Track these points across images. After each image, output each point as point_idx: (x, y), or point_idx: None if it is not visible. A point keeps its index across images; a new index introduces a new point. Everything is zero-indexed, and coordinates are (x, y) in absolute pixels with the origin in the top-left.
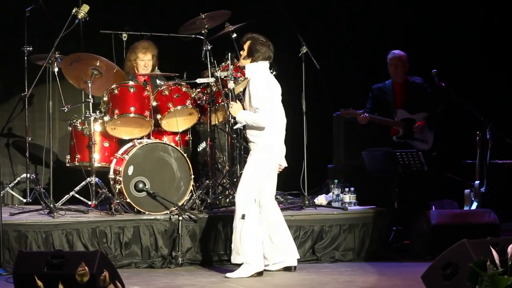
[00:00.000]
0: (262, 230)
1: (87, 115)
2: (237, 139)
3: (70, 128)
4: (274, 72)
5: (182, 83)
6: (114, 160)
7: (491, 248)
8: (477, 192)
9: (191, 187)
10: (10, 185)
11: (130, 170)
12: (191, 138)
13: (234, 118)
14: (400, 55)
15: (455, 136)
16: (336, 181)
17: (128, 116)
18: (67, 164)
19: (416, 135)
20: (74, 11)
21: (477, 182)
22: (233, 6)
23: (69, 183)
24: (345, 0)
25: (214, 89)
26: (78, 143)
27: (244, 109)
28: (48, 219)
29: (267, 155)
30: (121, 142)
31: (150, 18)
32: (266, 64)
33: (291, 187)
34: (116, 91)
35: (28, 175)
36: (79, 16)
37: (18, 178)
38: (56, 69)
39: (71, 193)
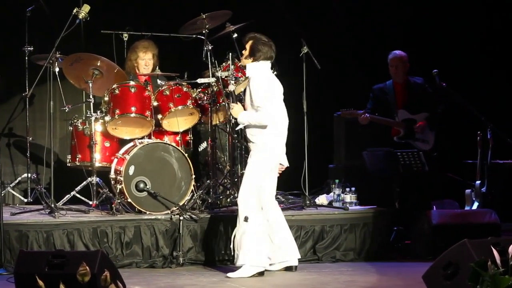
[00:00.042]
0: (263, 230)
1: (88, 115)
2: (238, 139)
3: (71, 128)
4: (275, 72)
5: (183, 83)
6: (115, 160)
7: (492, 248)
8: (478, 192)
9: (192, 187)
10: (11, 185)
11: (131, 170)
12: (192, 138)
13: (236, 119)
14: (401, 55)
15: (456, 136)
16: (337, 181)
17: (129, 116)
18: (68, 164)
19: (417, 135)
20: (75, 11)
21: (478, 182)
22: (233, 6)
23: (70, 183)
24: (345, 0)
25: (215, 89)
26: (79, 143)
27: (244, 109)
28: (49, 219)
29: (267, 155)
30: (122, 142)
31: (151, 18)
32: (267, 64)
33: (292, 187)
34: (117, 91)
35: (29, 175)
36: (80, 16)
37: (19, 178)
38: (57, 69)
39: (72, 193)
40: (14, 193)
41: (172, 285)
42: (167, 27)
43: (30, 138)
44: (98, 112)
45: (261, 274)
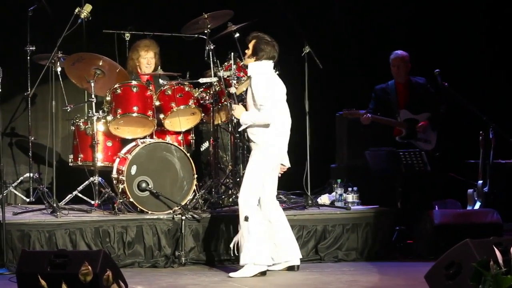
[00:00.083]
0: (264, 229)
1: (90, 115)
2: (240, 138)
3: (73, 128)
4: (277, 72)
5: (185, 83)
6: (117, 160)
7: (494, 248)
8: (480, 191)
9: (194, 187)
10: (13, 185)
11: (133, 169)
12: (194, 137)
13: (238, 120)
14: (403, 55)
15: (458, 136)
16: (339, 180)
17: (131, 116)
18: (70, 164)
19: (419, 135)
20: (76, 10)
21: (480, 181)
22: (235, 6)
23: (72, 182)
24: (346, 0)
25: (217, 89)
26: (81, 142)
27: (246, 109)
28: (51, 219)
29: (267, 154)
30: (124, 142)
31: (153, 18)
32: (269, 64)
33: (294, 186)
34: (119, 91)
35: (31, 174)
36: (82, 16)
37: (21, 178)
38: (59, 69)
39: (74, 193)
40: (16, 192)
41: (174, 284)
42: (169, 27)
43: (32, 138)
44: (100, 111)
45: (263, 273)
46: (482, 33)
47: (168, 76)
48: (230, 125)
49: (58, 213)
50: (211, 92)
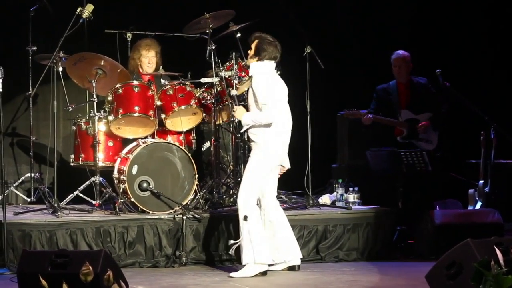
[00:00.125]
0: (264, 229)
1: (91, 115)
2: (241, 138)
3: (74, 128)
4: (279, 72)
5: (187, 83)
6: (118, 160)
7: (495, 247)
8: (481, 191)
9: (195, 187)
10: (14, 185)
11: (134, 169)
12: (195, 137)
13: (240, 121)
14: (404, 55)
15: (459, 135)
16: (340, 180)
17: (132, 116)
18: (71, 164)
19: (421, 135)
20: (78, 10)
21: (481, 181)
22: (236, 6)
23: (73, 182)
24: (348, 0)
25: (218, 89)
26: (82, 142)
27: (247, 109)
28: (52, 219)
29: (268, 154)
30: (125, 142)
31: (154, 18)
32: (271, 64)
33: (295, 186)
34: (120, 91)
35: (32, 174)
36: (84, 16)
37: (22, 178)
38: (60, 69)
39: (75, 193)
40: (17, 192)
41: (175, 284)
42: (170, 26)
43: (34, 138)
44: (102, 111)
45: (264, 273)
46: (483, 33)
47: (170, 76)
48: (231, 125)
49: (59, 213)
50: (213, 92)
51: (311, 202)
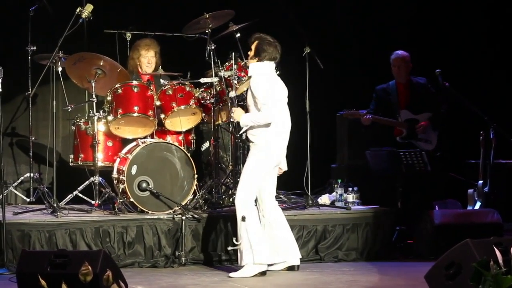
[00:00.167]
0: (263, 230)
1: (90, 115)
2: (241, 138)
3: (74, 128)
4: (278, 72)
5: (186, 83)
6: (118, 160)
7: (495, 248)
8: (480, 192)
9: (194, 187)
10: (13, 185)
11: (134, 169)
12: (194, 137)
13: (238, 122)
14: (403, 55)
15: (458, 135)
16: (339, 180)
17: (132, 116)
18: (70, 164)
19: (420, 135)
20: (78, 10)
21: (480, 181)
22: (236, 6)
23: (72, 182)
24: (348, 0)
25: (218, 89)
26: (81, 142)
27: (247, 110)
28: (51, 219)
29: (268, 153)
30: (125, 142)
31: (154, 18)
32: (271, 65)
33: (295, 186)
34: (119, 91)
35: (32, 174)
36: (83, 16)
37: (22, 178)
38: (59, 69)
39: (75, 193)
40: (17, 192)
41: (174, 284)
42: (170, 26)
43: (33, 138)
44: (101, 111)
45: (263, 273)
46: (483, 33)
47: (169, 76)
48: (230, 125)
49: (58, 213)
50: (212, 92)
51: (310, 202)
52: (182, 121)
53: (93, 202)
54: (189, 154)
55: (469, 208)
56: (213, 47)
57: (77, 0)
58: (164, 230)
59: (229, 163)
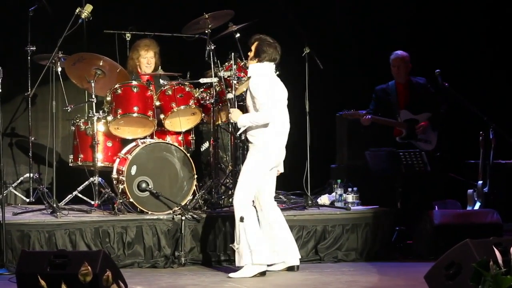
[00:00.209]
0: (262, 230)
1: (90, 115)
2: (240, 139)
3: (73, 128)
4: (277, 72)
5: (185, 83)
6: (117, 160)
7: (494, 248)
8: (480, 192)
9: (194, 187)
10: (13, 185)
11: (133, 170)
12: (194, 138)
13: (236, 124)
14: (403, 55)
15: (458, 136)
16: (339, 181)
17: (131, 116)
18: (70, 164)
19: (420, 136)
20: (77, 10)
21: (480, 182)
22: (236, 6)
23: (72, 182)
24: (347, 0)
25: (217, 89)
26: (81, 142)
27: (247, 110)
28: (51, 219)
29: (267, 154)
30: (124, 142)
31: (153, 18)
32: (271, 66)
33: (294, 187)
34: (119, 91)
35: (31, 174)
36: (83, 16)
37: (21, 178)
38: (59, 69)
39: (74, 193)
40: (16, 193)
41: (174, 285)
42: (169, 27)
43: (33, 138)
44: (101, 112)
45: (262, 274)
46: (482, 33)
47: (169, 76)
48: (230, 126)
49: (58, 214)
50: (212, 92)
51: (310, 202)
52: (181, 121)
53: (92, 202)
54: (188, 155)
55: (469, 208)
56: (212, 48)
57: (77, 0)
58: (164, 231)
59: (228, 163)
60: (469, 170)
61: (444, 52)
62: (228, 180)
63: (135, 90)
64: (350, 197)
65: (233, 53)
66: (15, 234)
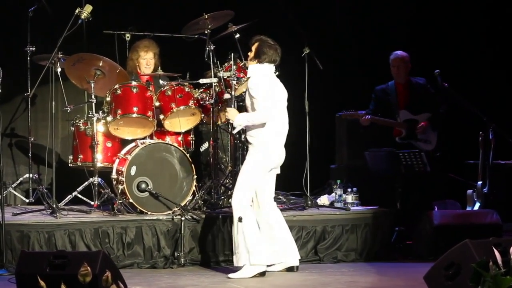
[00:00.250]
0: (261, 230)
1: (89, 115)
2: (240, 139)
3: (73, 128)
4: (277, 73)
5: (185, 83)
6: (117, 160)
7: (494, 248)
8: (479, 192)
9: (193, 188)
10: (12, 185)
11: (133, 170)
12: (193, 138)
13: (232, 123)
14: (402, 55)
15: (457, 136)
16: (338, 181)
17: (131, 116)
18: (69, 164)
19: (419, 136)
20: (77, 11)
21: (479, 182)
22: (235, 7)
23: (71, 183)
24: (347, 0)
25: (217, 90)
26: (80, 143)
27: (246, 110)
28: (50, 219)
29: (267, 154)
30: (124, 142)
31: (153, 18)
32: (270, 67)
33: (294, 187)
34: (119, 91)
35: (31, 175)
36: (82, 16)
37: (21, 178)
38: (59, 69)
39: (74, 193)
40: (16, 193)
41: (173, 285)
42: (169, 27)
43: (32, 139)
44: (100, 112)
45: (262, 274)
46: (482, 33)
47: (168, 76)
48: (230, 126)
49: (57, 214)
50: (211, 92)
51: (309, 203)
52: (181, 121)
53: (92, 203)
54: (188, 155)
55: (468, 208)
56: (212, 48)
57: (77, 1)
58: (163, 231)
59: (228, 164)
60: (468, 170)
61: (444, 52)
62: (227, 181)
63: (134, 90)
64: (349, 198)
65: (232, 54)
66: (15, 235)
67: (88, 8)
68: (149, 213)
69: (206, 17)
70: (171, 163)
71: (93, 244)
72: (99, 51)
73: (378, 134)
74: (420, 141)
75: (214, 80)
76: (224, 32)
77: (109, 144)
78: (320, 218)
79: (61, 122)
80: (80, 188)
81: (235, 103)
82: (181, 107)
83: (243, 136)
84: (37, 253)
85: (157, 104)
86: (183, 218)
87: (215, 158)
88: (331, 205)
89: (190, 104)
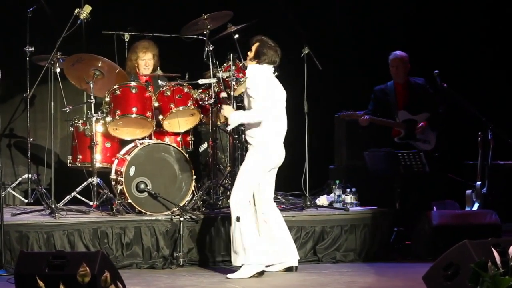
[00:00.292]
0: (260, 230)
1: (88, 116)
2: (239, 139)
3: (72, 129)
4: (276, 73)
5: (184, 84)
6: (116, 161)
7: (493, 249)
8: (478, 192)
9: (192, 188)
10: (11, 186)
11: (132, 170)
12: (192, 138)
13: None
14: (401, 56)
15: (456, 136)
16: (337, 181)
17: (130, 117)
18: (68, 165)
19: (418, 136)
20: (76, 11)
21: (478, 182)
22: (235, 7)
23: (70, 183)
24: (347, 0)
25: (216, 90)
26: (79, 143)
27: (244, 109)
28: (49, 220)
29: (267, 154)
30: (123, 143)
31: (152, 19)
32: (269, 68)
33: (293, 187)
34: (118, 92)
35: (30, 175)
36: (81, 17)
37: (20, 179)
38: (58, 70)
39: (73, 194)
40: (15, 193)
41: (172, 286)
42: (168, 27)
43: (31, 139)
44: (99, 112)
45: (261, 274)
46: (482, 33)
47: (167, 77)
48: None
49: (56, 214)
50: (210, 93)
51: (308, 203)
52: (180, 122)
53: (91, 203)
54: (187, 155)
55: (467, 209)
56: (211, 48)
57: (76, 1)
58: (162, 231)
59: (227, 164)
60: (467, 170)
61: (443, 52)
62: (226, 181)
63: (133, 91)
64: (348, 198)
65: (231, 54)
66: (14, 235)
67: (87, 9)
68: (148, 213)
69: (205, 17)
70: (170, 164)
71: (92, 244)
72: (98, 52)
73: (377, 134)
74: (419, 141)
75: (213, 81)
76: (223, 32)
77: (108, 145)
78: (319, 218)
79: (60, 122)
80: (79, 189)
81: (235, 103)
82: (180, 108)
83: (242, 136)
84: (36, 254)
85: (156, 104)
86: (182, 219)
87: (214, 159)
88: (330, 205)
89: (189, 105)
